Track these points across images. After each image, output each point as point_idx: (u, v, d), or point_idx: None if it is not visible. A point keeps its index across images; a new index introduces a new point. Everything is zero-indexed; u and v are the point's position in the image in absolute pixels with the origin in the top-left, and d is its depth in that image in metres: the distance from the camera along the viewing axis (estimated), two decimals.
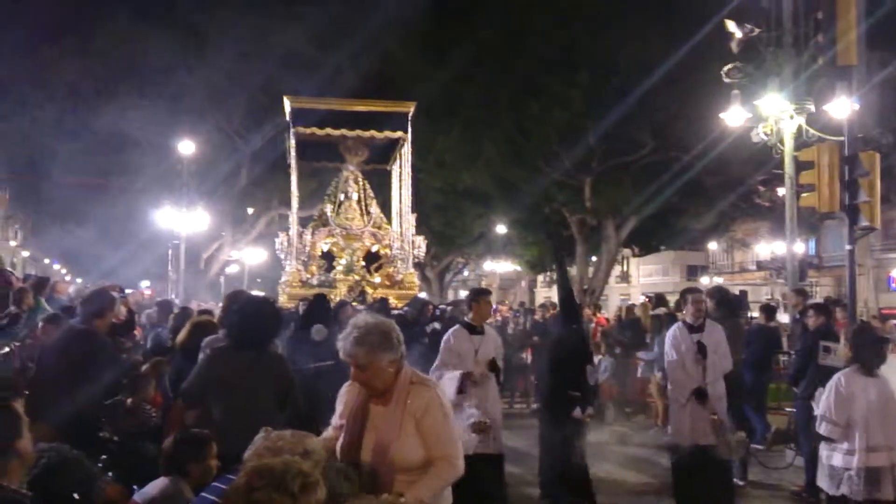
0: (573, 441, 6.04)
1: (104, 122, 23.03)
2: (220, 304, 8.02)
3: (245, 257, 36.22)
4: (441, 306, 15.30)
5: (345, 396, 3.39)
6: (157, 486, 3.66)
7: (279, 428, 3.02)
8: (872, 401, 5.10)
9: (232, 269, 41.06)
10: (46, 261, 48.18)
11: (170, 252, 27.86)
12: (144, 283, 34.15)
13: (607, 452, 8.66)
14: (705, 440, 6.36)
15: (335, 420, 3.39)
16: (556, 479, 6.28)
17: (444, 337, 6.40)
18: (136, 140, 24.76)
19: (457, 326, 6.48)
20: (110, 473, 4.86)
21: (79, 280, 35.44)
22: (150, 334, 8.89)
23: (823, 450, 5.34)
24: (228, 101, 23.56)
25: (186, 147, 22.81)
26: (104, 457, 4.99)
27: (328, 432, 3.40)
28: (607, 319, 17.92)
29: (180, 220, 23.18)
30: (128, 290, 13.87)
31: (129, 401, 5.86)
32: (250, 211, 28.83)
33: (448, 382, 5.92)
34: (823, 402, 5.26)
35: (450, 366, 6.15)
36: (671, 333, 6.78)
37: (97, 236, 30.79)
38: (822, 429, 5.24)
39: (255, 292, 30.24)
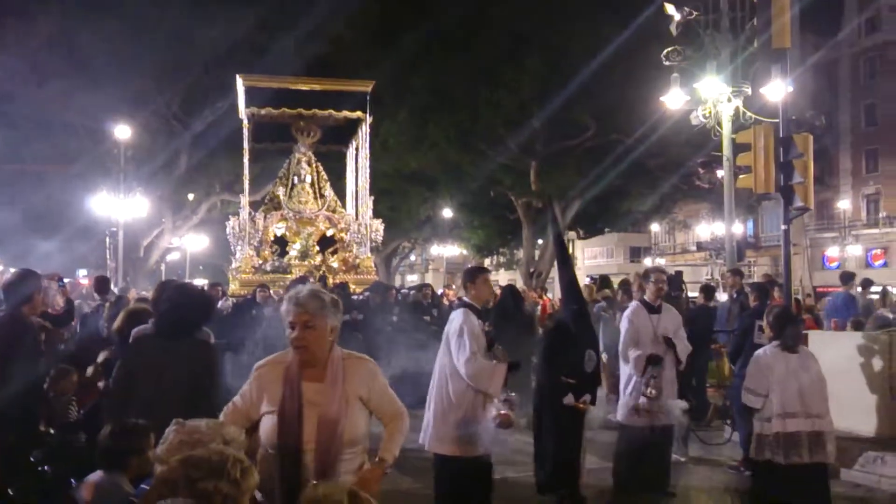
0: (565, 431, 5.78)
1: (38, 106, 22.24)
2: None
3: (187, 244, 35.49)
4: (403, 290, 15.09)
5: (264, 379, 3.21)
6: (92, 480, 3.56)
7: (198, 415, 2.94)
8: (791, 373, 5.41)
9: (173, 257, 40.22)
10: None
11: (108, 240, 27.12)
12: (82, 272, 33.20)
13: None
14: (654, 419, 6.39)
15: (247, 404, 3.19)
16: (555, 473, 5.95)
17: (459, 321, 5.41)
18: (71, 125, 23.98)
19: (463, 309, 5.53)
20: (46, 467, 4.73)
21: (12, 269, 34.29)
22: (85, 321, 8.65)
23: (755, 420, 5.63)
24: (168, 85, 22.95)
25: (123, 132, 22.16)
26: (36, 451, 4.84)
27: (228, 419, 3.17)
28: (553, 304, 18.07)
29: (118, 206, 22.56)
30: (66, 280, 13.42)
31: (47, 392, 5.71)
32: (191, 197, 28.20)
33: (497, 374, 5.28)
34: (747, 375, 5.65)
35: (479, 353, 5.32)
36: (629, 312, 6.69)
37: (31, 224, 29.77)
38: (745, 399, 5.59)
39: (197, 280, 29.64)
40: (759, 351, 5.65)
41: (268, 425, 3.12)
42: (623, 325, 6.67)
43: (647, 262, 48.87)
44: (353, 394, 3.16)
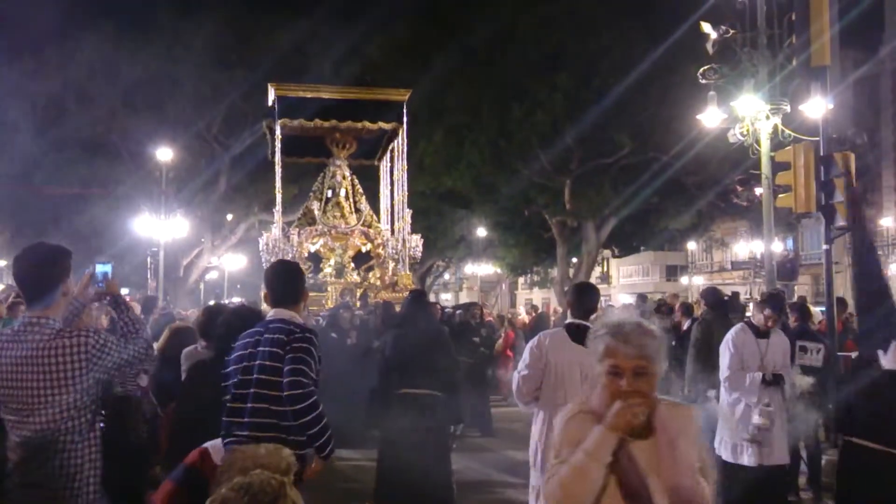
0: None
1: (84, 131, 22.81)
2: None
3: (225, 263, 36.01)
4: (447, 309, 14.62)
5: (577, 432, 2.40)
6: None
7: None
8: None
9: (212, 276, 40.82)
10: None
11: (149, 259, 27.62)
12: (123, 291, 33.83)
13: None
14: (764, 457, 5.64)
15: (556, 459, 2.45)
16: None
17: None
18: (116, 148, 24.59)
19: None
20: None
21: None
22: None
23: None
24: (208, 109, 23.42)
25: (165, 154, 22.65)
26: None
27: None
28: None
29: (159, 227, 23.02)
30: None
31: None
32: (230, 217, 28.64)
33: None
34: None
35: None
36: (733, 334, 5.96)
37: (74, 245, 30.40)
38: None
39: (235, 299, 29.90)
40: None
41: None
42: (725, 349, 5.91)
43: (684, 280, 48.30)
44: (691, 452, 2.42)
